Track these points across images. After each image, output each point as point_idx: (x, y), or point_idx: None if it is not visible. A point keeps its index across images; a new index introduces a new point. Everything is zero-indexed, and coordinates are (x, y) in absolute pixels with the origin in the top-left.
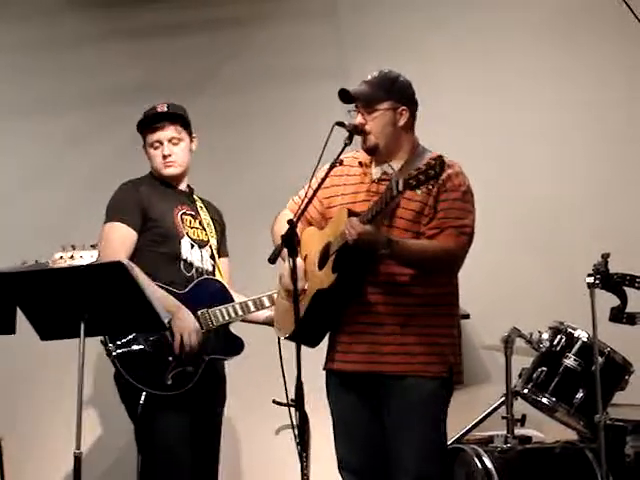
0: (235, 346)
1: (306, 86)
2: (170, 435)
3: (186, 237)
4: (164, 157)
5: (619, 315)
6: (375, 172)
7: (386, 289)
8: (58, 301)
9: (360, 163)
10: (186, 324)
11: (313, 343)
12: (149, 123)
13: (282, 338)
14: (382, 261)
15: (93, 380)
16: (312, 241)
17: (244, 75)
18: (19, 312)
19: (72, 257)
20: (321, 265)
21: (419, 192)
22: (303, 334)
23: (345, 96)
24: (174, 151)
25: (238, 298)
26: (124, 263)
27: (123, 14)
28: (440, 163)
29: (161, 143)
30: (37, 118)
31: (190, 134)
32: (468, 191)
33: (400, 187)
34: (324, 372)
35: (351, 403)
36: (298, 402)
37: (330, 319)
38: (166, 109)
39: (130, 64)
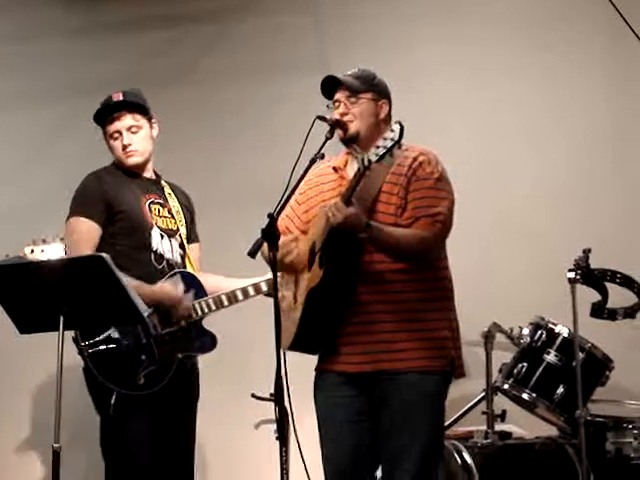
0: (208, 342)
1: (286, 80)
2: (136, 434)
3: (155, 227)
4: (124, 147)
5: (600, 310)
6: (351, 173)
7: (379, 287)
8: (37, 294)
9: (334, 168)
10: (173, 290)
11: (314, 349)
12: (106, 114)
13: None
14: (364, 249)
15: (74, 376)
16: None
17: (223, 68)
18: None
19: (43, 251)
20: (310, 267)
21: (386, 162)
22: (303, 341)
23: (330, 84)
24: (134, 140)
25: (204, 277)
26: (104, 257)
27: (100, 6)
28: (400, 128)
29: (120, 133)
30: (10, 112)
31: (150, 120)
32: (442, 178)
33: (366, 162)
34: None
35: (343, 402)
36: (277, 396)
37: (327, 321)
38: (122, 97)
39: (107, 57)
